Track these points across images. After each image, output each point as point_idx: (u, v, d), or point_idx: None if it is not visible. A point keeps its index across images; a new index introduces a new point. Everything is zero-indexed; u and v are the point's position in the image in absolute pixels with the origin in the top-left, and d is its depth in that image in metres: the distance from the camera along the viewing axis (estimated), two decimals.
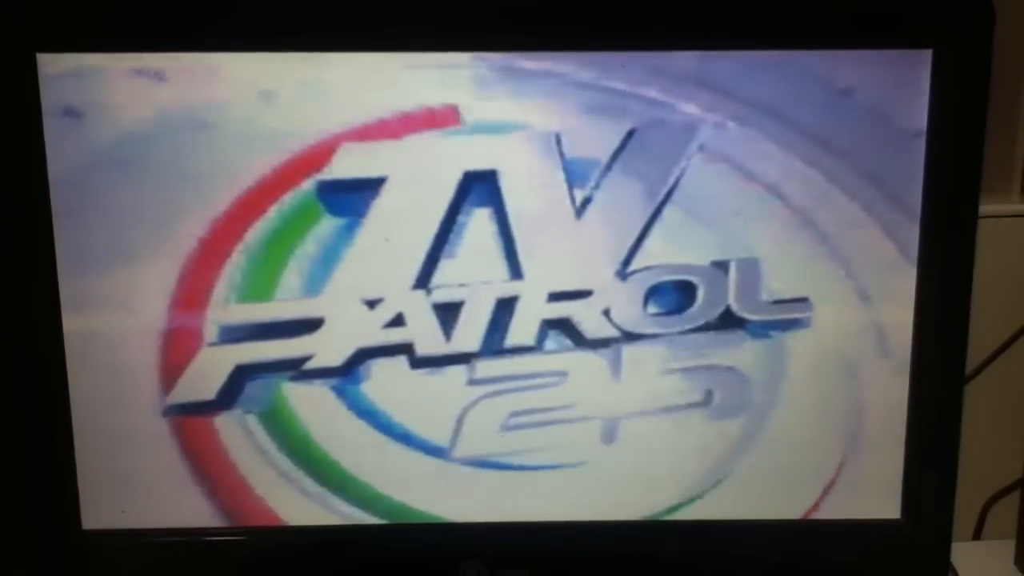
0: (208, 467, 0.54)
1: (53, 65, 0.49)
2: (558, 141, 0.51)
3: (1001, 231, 0.81)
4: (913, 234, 0.52)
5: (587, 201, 0.52)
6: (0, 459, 0.54)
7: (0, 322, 0.52)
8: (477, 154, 0.51)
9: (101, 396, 0.53)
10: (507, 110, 0.50)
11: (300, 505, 0.55)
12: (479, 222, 0.52)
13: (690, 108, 0.50)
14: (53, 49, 0.49)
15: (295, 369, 0.53)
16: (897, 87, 0.50)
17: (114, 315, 0.52)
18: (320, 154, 0.51)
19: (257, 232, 0.51)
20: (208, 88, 0.50)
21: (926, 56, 0.50)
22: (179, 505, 0.55)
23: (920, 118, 0.50)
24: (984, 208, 0.51)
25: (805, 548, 0.56)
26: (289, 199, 0.51)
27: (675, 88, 0.50)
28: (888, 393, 0.54)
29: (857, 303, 0.53)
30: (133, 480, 0.54)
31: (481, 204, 0.51)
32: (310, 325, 0.53)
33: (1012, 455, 0.67)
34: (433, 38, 0.49)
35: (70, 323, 0.52)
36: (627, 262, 0.52)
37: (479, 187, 0.51)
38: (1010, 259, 0.79)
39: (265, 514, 0.55)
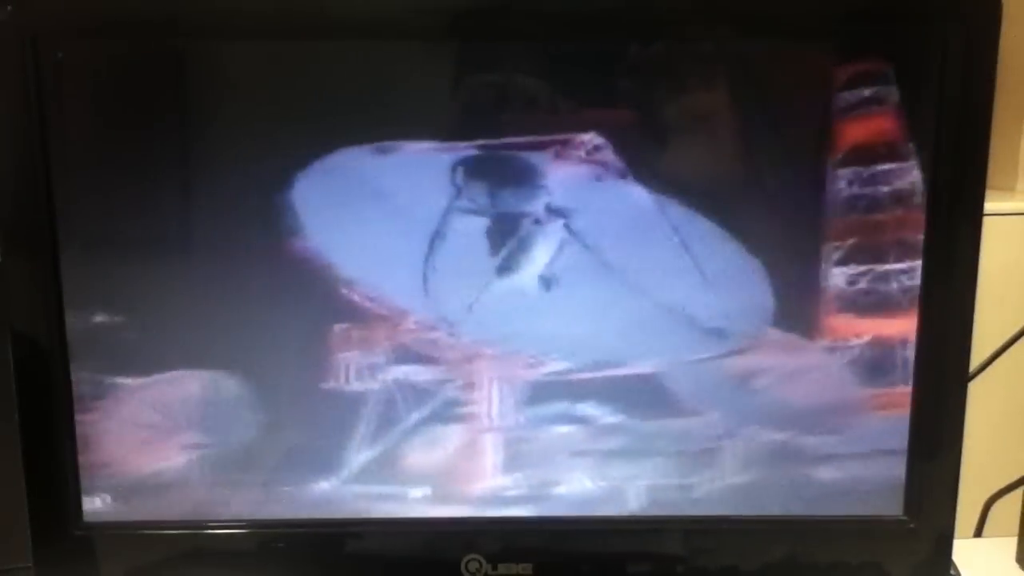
0: (209, 459, 0.55)
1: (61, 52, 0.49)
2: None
3: (1004, 230, 0.81)
4: (918, 231, 0.52)
5: None
6: (1, 451, 0.54)
7: (5, 316, 0.52)
8: None
9: (103, 389, 0.53)
10: None
11: (303, 498, 0.55)
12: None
13: (690, 98, 0.51)
14: (57, 35, 0.49)
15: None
16: (903, 83, 0.50)
17: (119, 312, 0.52)
18: None
19: None
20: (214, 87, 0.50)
21: (932, 51, 0.50)
22: (180, 497, 0.55)
23: (926, 114, 0.50)
24: (988, 206, 0.51)
25: (808, 545, 0.56)
26: None
27: (672, 71, 0.51)
28: (891, 390, 0.54)
29: (861, 299, 0.53)
30: (134, 473, 0.54)
31: None
32: None
33: (1014, 453, 0.67)
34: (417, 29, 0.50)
35: (73, 319, 0.52)
36: None
37: None
38: (1013, 258, 0.79)
39: (268, 507, 0.55)
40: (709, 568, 0.56)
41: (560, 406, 0.54)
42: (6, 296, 0.52)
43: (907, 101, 0.50)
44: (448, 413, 0.54)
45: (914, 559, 0.56)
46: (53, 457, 0.54)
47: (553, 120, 0.51)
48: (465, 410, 0.54)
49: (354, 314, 0.52)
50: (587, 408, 0.54)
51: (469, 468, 0.55)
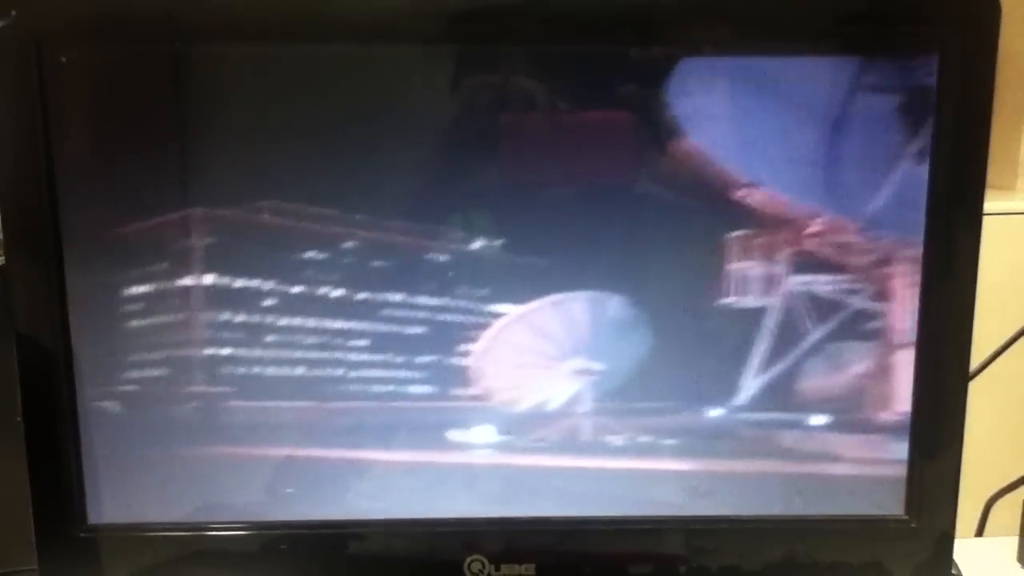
0: (212, 461, 0.55)
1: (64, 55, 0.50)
2: None
3: (1004, 229, 0.81)
4: (918, 231, 0.52)
5: None
6: (6, 453, 0.55)
7: (10, 318, 0.52)
8: None
9: (108, 390, 0.53)
10: None
11: (306, 499, 0.55)
12: None
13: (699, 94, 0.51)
14: (61, 40, 0.49)
15: None
16: (904, 84, 0.50)
17: (123, 314, 0.52)
18: None
19: None
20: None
21: (933, 53, 0.50)
22: (184, 499, 0.55)
23: (927, 115, 0.51)
24: (987, 206, 0.51)
25: (809, 545, 0.56)
26: None
27: (679, 82, 0.50)
28: (892, 390, 0.54)
29: (861, 300, 0.53)
30: (138, 475, 0.55)
31: None
32: None
33: (1015, 452, 0.67)
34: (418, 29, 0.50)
35: (77, 319, 0.52)
36: None
37: None
38: (1013, 257, 0.79)
39: (271, 508, 0.55)
40: (710, 568, 0.56)
41: None
42: (10, 297, 0.52)
43: (907, 101, 0.51)
44: (857, 328, 0.49)
45: (915, 559, 0.56)
46: (57, 458, 0.54)
47: None
48: (877, 324, 0.49)
49: (751, 220, 0.47)
50: None
51: (880, 391, 0.49)
